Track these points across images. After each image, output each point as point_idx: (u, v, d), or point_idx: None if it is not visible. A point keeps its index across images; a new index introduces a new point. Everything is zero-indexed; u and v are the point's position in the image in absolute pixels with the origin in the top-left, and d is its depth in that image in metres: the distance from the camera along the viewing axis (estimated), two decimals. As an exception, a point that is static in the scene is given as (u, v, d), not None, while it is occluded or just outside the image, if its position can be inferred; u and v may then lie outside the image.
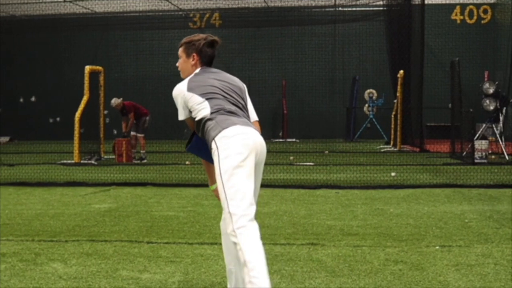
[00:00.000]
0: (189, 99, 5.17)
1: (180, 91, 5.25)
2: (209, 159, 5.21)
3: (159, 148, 23.62)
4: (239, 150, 4.96)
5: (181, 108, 5.26)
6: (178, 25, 32.49)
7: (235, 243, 4.85)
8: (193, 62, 5.37)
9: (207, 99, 5.12)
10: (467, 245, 7.80)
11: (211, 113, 5.09)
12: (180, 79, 5.35)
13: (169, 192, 13.10)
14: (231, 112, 5.14)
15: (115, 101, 20.15)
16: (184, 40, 5.45)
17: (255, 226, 4.89)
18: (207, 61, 5.43)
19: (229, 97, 5.24)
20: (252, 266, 4.76)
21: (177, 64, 5.45)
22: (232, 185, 4.92)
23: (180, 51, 5.42)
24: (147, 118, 20.54)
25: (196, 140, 5.34)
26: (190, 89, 5.19)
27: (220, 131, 5.00)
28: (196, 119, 5.18)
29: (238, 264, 5.11)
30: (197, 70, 5.37)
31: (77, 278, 6.34)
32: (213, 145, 5.03)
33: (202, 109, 5.12)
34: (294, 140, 31.08)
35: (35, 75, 33.62)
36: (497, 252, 7.38)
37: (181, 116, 5.31)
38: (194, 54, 5.36)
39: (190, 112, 5.23)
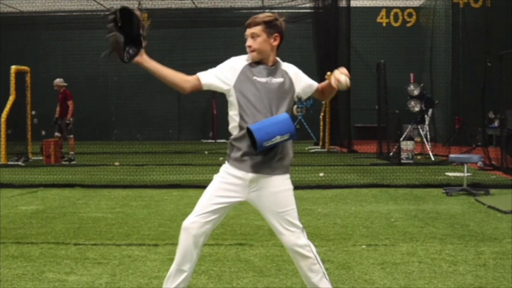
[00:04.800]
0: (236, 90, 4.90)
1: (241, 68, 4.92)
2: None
3: (88, 149, 23.37)
4: None
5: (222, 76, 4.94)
6: (106, 25, 32.13)
7: (307, 256, 4.99)
8: (275, 43, 4.92)
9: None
10: (392, 244, 7.95)
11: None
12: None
13: (97, 193, 12.99)
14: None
15: (61, 81, 20.05)
16: (264, 18, 4.90)
17: None
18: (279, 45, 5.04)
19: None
20: (323, 265, 5.10)
21: (249, 44, 4.89)
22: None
23: (259, 29, 4.87)
24: (71, 119, 20.29)
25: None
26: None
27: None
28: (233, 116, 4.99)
29: (191, 264, 5.07)
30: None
31: (2, 281, 6.25)
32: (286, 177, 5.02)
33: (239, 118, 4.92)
34: (224, 140, 31.06)
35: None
36: (422, 251, 7.54)
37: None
38: (277, 34, 4.93)
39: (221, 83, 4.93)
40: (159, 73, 4.84)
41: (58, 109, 20.26)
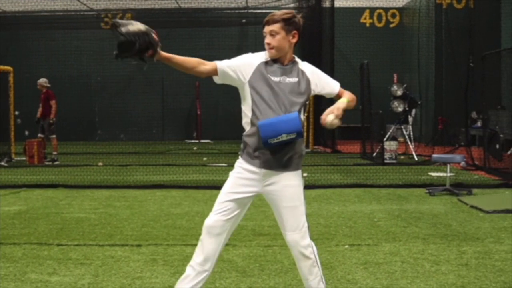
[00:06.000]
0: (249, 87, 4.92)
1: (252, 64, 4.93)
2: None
3: (71, 149, 23.29)
4: None
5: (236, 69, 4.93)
6: (89, 25, 32.04)
7: (308, 257, 4.99)
8: (293, 40, 4.92)
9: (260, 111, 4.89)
10: (375, 244, 7.97)
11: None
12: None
13: (80, 194, 12.93)
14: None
15: (45, 82, 19.95)
16: (282, 16, 4.89)
17: None
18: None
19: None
20: (321, 267, 5.11)
21: (268, 41, 4.89)
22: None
23: (277, 27, 4.85)
24: (54, 119, 20.19)
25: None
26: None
27: None
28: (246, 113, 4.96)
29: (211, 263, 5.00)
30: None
31: (-15, 282, 6.23)
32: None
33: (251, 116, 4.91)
34: (208, 141, 31.06)
35: None
36: (404, 250, 7.57)
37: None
38: (295, 31, 4.92)
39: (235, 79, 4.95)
40: (177, 63, 4.85)
41: (40, 109, 20.16)
